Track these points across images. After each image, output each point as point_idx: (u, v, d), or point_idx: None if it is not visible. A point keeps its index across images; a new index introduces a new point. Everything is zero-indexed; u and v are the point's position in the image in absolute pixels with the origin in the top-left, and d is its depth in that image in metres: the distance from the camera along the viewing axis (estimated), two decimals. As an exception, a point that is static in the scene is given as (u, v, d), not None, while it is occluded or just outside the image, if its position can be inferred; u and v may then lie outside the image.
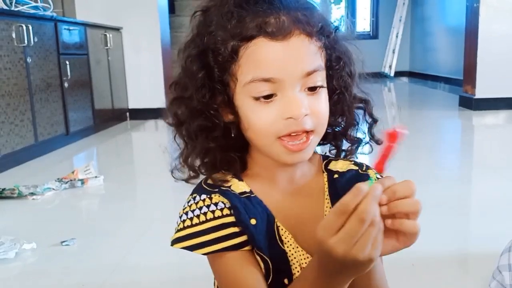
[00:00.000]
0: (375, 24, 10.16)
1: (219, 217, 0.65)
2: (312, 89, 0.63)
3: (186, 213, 0.67)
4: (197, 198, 0.68)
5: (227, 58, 0.62)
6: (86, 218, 2.14)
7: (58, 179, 2.46)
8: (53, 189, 2.36)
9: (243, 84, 0.62)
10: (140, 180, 2.85)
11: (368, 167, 0.76)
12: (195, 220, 0.66)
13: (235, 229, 0.65)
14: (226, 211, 0.66)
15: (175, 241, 0.67)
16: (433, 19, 8.50)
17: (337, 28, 0.69)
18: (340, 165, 0.75)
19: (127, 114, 4.86)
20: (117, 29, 4.60)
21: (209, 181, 0.69)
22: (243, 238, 0.65)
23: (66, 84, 3.54)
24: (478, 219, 1.93)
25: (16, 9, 3.19)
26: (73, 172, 2.51)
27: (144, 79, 4.81)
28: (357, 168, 0.75)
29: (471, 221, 1.96)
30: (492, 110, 4.58)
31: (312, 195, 0.72)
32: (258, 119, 0.62)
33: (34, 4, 3.44)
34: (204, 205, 0.66)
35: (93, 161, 3.06)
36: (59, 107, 3.46)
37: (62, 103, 3.50)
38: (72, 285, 1.45)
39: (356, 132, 0.75)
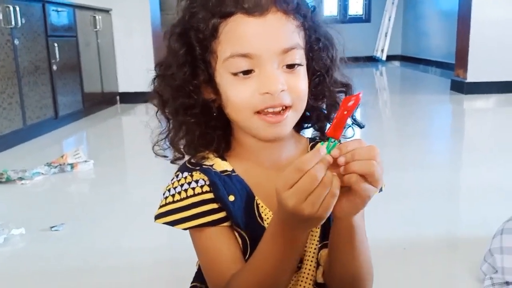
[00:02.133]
0: (367, 7, 10.10)
1: (199, 194, 0.68)
2: (290, 66, 0.65)
3: (169, 190, 0.70)
4: (180, 176, 0.70)
5: (208, 36, 0.65)
6: (76, 203, 2.12)
7: (47, 163, 2.44)
8: (42, 173, 2.34)
9: (222, 60, 0.64)
10: (131, 164, 2.83)
11: None
12: (177, 197, 0.69)
13: (214, 206, 0.68)
14: (206, 188, 0.68)
15: (157, 217, 0.70)
16: (426, 2, 8.46)
17: (313, 8, 0.70)
18: (325, 145, 0.75)
19: (117, 97, 4.81)
20: (106, 11, 4.52)
21: (193, 160, 0.72)
22: (222, 214, 0.68)
23: (54, 67, 3.48)
24: (469, 204, 1.94)
25: (2, -11, 3.11)
26: (62, 157, 2.48)
27: (135, 62, 4.75)
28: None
29: (461, 206, 1.97)
30: (483, 94, 4.59)
31: None
32: (236, 94, 0.65)
33: (20, -16, 3.36)
34: (186, 182, 0.69)
35: (83, 145, 3.03)
36: (48, 90, 3.41)
37: (50, 86, 3.45)
38: (63, 270, 1.44)
39: None
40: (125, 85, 4.80)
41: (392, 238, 1.57)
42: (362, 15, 10.12)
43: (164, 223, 0.69)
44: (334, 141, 0.57)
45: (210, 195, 0.68)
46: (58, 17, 3.61)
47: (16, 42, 2.98)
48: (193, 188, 0.68)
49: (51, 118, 3.46)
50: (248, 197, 0.70)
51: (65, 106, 3.65)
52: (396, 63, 9.35)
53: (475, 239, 1.52)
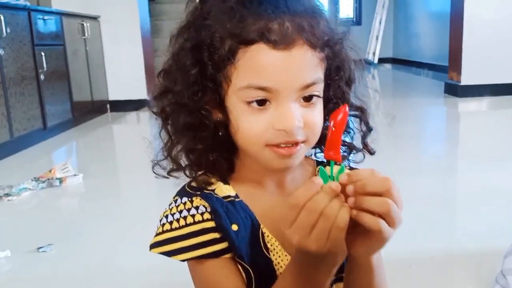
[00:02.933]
0: (358, 10, 10.09)
1: (199, 222, 0.63)
2: (308, 99, 0.60)
3: (166, 217, 0.65)
4: (178, 201, 0.66)
5: (223, 58, 0.59)
6: (65, 220, 2.03)
7: (34, 178, 2.35)
8: (30, 189, 2.25)
9: (237, 88, 0.59)
10: (122, 177, 2.75)
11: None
12: (175, 224, 0.64)
13: (215, 235, 0.63)
14: (207, 216, 0.63)
15: (153, 246, 0.65)
16: (416, 5, 8.46)
17: (342, 38, 0.64)
18: (334, 170, 0.70)
19: (108, 106, 4.72)
20: (94, 18, 4.44)
21: (193, 184, 0.67)
22: (224, 245, 0.63)
23: (42, 77, 3.39)
24: (471, 212, 1.88)
25: (-14, -2, 3.02)
26: (50, 171, 2.40)
27: (124, 69, 4.67)
28: (349, 168, 0.72)
29: (463, 214, 1.92)
30: (478, 97, 4.56)
31: None
32: (249, 126, 0.60)
33: (5, -8, 3.27)
34: (185, 208, 0.64)
35: (72, 158, 2.95)
36: (35, 101, 3.32)
37: (38, 97, 3.35)
38: (50, 296, 1.36)
39: (352, 139, 0.72)
40: (115, 93, 4.71)
41: (398, 253, 1.51)
42: (353, 18, 10.10)
43: (160, 253, 0.64)
44: (340, 165, 0.52)
45: (211, 224, 0.63)
46: (45, 25, 3.52)
47: (1, 52, 2.89)
48: (193, 216, 0.64)
49: (40, 129, 3.37)
50: (252, 226, 0.65)
51: (53, 116, 3.56)
52: (388, 66, 9.34)
53: (480, 251, 1.46)
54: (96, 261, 1.56)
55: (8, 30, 2.97)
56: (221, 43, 0.58)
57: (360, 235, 0.52)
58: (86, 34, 4.19)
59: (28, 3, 3.38)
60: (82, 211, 2.15)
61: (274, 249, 0.65)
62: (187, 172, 0.67)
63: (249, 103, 0.59)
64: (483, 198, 1.97)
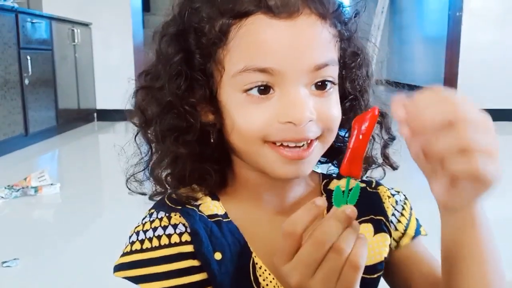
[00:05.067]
0: (353, 31, 10.13)
1: (175, 244, 0.51)
2: (321, 86, 0.49)
3: (137, 233, 0.53)
4: (154, 215, 0.54)
5: (213, 40, 0.48)
6: (35, 233, 1.88)
7: (8, 186, 2.22)
8: (2, 197, 2.13)
9: (231, 74, 0.48)
10: (103, 189, 2.61)
11: (378, 184, 0.61)
12: (146, 244, 0.52)
13: (194, 263, 0.51)
14: (185, 237, 0.51)
15: (118, 268, 0.53)
16: (411, 28, 8.50)
17: (357, 13, 0.53)
18: (342, 184, 0.59)
19: (95, 114, 4.60)
20: (86, 25, 4.34)
21: (174, 195, 0.55)
22: (204, 275, 0.51)
23: (26, 81, 3.27)
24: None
25: (-28, -3, 2.92)
26: (25, 179, 2.26)
27: (114, 78, 4.54)
28: (364, 185, 0.61)
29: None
30: (472, 121, 4.50)
31: None
32: (247, 119, 0.48)
33: (-8, -8, 3.18)
34: (160, 225, 0.52)
35: (51, 166, 2.81)
36: (18, 106, 3.19)
37: (21, 101, 3.23)
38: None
39: (371, 151, 0.59)
40: (103, 102, 4.59)
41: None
42: (348, 38, 10.15)
43: (124, 278, 0.52)
44: (355, 183, 0.41)
45: (190, 248, 0.51)
46: (33, 28, 3.42)
47: (-17, 53, 2.78)
48: (169, 236, 0.51)
49: (21, 135, 3.24)
50: (242, 254, 0.52)
51: (36, 122, 3.42)
52: (381, 87, 9.34)
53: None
54: (64, 281, 1.42)
55: (-8, 31, 2.86)
56: (210, 23, 0.49)
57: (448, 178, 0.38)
58: (76, 41, 4.09)
59: (16, 5, 3.27)
60: (56, 224, 2.02)
61: (267, 284, 0.52)
62: (170, 181, 0.56)
63: (247, 91, 0.48)
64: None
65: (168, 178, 0.56)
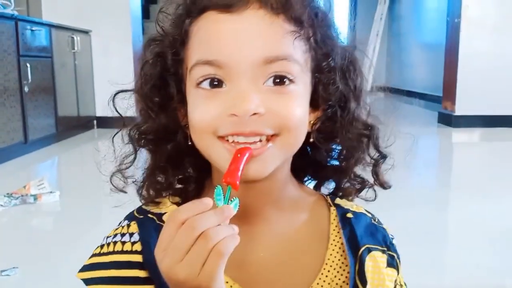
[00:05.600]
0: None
1: (126, 252, 0.52)
2: (279, 83, 0.48)
3: (105, 238, 0.56)
4: (121, 223, 0.57)
5: (179, 40, 0.51)
6: (34, 241, 1.87)
7: (7, 194, 2.20)
8: (1, 205, 2.11)
9: (188, 70, 0.50)
10: (103, 196, 2.58)
11: (379, 221, 0.61)
12: (104, 249, 0.54)
13: (140, 273, 0.51)
14: (137, 247, 0.52)
15: (82, 269, 0.55)
16: (410, 35, 8.52)
17: (323, 13, 0.52)
18: (350, 204, 0.59)
19: (94, 122, 4.59)
20: (85, 32, 4.35)
21: (144, 206, 0.57)
22: (153, 287, 0.50)
23: (26, 88, 3.27)
24: (461, 249, 1.77)
25: (-29, 5, 2.93)
26: (24, 187, 2.25)
27: (114, 86, 4.55)
28: (370, 216, 0.60)
29: (453, 251, 1.81)
30: (472, 127, 4.50)
31: (301, 236, 0.56)
32: (199, 113, 0.49)
33: (-8, 1, 3.18)
34: (120, 232, 0.55)
35: (50, 174, 2.81)
36: (17, 113, 3.18)
37: (20, 109, 3.22)
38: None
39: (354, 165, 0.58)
40: (103, 109, 4.55)
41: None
42: (347, 45, 10.16)
43: (81, 279, 0.54)
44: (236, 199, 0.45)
45: (139, 258, 0.52)
46: (33, 36, 3.42)
47: (-17, 60, 2.78)
48: (123, 243, 0.53)
49: (20, 142, 3.23)
50: None
51: (36, 130, 3.42)
52: (380, 94, 9.35)
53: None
54: (63, 289, 1.41)
55: (-8, 39, 2.86)
56: (177, 25, 0.51)
57: None
58: (75, 48, 4.09)
59: (16, 13, 3.28)
60: (55, 232, 2.00)
61: None
62: (145, 191, 0.57)
63: (198, 85, 0.49)
64: (478, 234, 1.88)
65: (141, 187, 0.57)
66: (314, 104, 0.54)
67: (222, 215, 0.42)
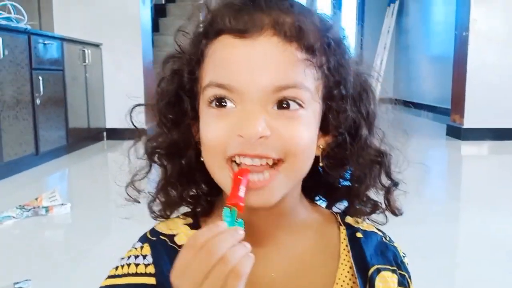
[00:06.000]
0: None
1: (140, 275, 0.53)
2: (283, 106, 0.49)
3: (120, 260, 0.56)
4: (135, 245, 0.57)
5: (195, 59, 0.53)
6: (46, 254, 1.89)
7: (19, 206, 2.23)
8: (13, 217, 2.13)
9: (202, 90, 0.52)
10: (114, 209, 2.61)
11: (391, 240, 0.61)
12: (119, 270, 0.55)
13: None
14: (150, 269, 0.53)
15: None
16: (418, 48, 8.53)
17: (339, 40, 0.53)
18: (360, 222, 0.59)
19: (104, 133, 4.63)
20: (96, 45, 4.40)
21: (157, 227, 0.58)
22: None
23: (38, 101, 3.31)
24: (471, 264, 1.77)
25: (-14, 19, 2.98)
26: (36, 199, 2.27)
27: (124, 97, 4.56)
28: (381, 234, 0.60)
29: (465, 265, 1.80)
30: (481, 140, 4.49)
31: (311, 256, 0.56)
32: (208, 131, 0.50)
33: (6, 15, 3.24)
34: (133, 254, 0.55)
35: (61, 186, 2.83)
36: (29, 125, 3.23)
37: (32, 121, 3.26)
38: None
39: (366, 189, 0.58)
40: (112, 121, 4.63)
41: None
42: (354, 57, 10.18)
43: None
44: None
45: (151, 280, 0.52)
46: (45, 49, 3.47)
47: (-3, 74, 2.82)
48: (137, 265, 0.54)
49: (32, 154, 3.26)
50: None
51: (47, 142, 3.45)
52: (388, 106, 9.33)
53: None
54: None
55: (6, 52, 2.90)
56: (193, 44, 0.53)
57: None
58: (86, 61, 4.14)
59: (29, 27, 3.34)
60: (67, 245, 2.02)
61: None
62: (162, 209, 0.58)
63: (210, 103, 0.50)
64: (485, 246, 1.87)
65: (160, 197, 0.58)
66: (324, 129, 0.54)
67: (237, 236, 0.42)
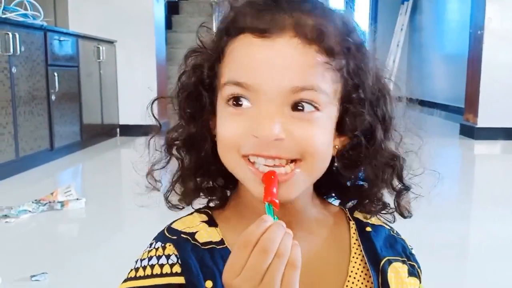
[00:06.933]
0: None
1: (166, 275, 0.52)
2: (298, 108, 0.49)
3: (136, 262, 0.55)
4: (153, 245, 0.56)
5: (215, 56, 0.53)
6: (62, 247, 1.92)
7: (35, 200, 2.27)
8: (30, 211, 2.17)
9: (220, 86, 0.52)
10: (127, 203, 2.64)
11: (398, 233, 0.62)
12: (140, 272, 0.53)
13: None
14: (176, 268, 0.52)
15: None
16: (432, 46, 8.46)
17: (359, 43, 0.53)
18: (368, 217, 0.61)
19: (117, 130, 4.67)
20: (111, 42, 4.44)
21: (174, 225, 0.57)
22: None
23: (53, 97, 3.36)
24: (484, 264, 1.76)
25: (4, 16, 3.02)
26: (52, 193, 2.31)
27: (137, 94, 4.62)
28: (389, 228, 0.61)
29: (475, 266, 1.79)
30: (494, 139, 4.45)
31: (323, 251, 0.57)
32: (224, 128, 0.51)
33: (23, 12, 3.28)
34: (155, 255, 0.54)
35: (76, 181, 2.87)
36: (44, 121, 3.27)
37: (47, 117, 3.31)
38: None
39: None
40: (126, 117, 4.67)
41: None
42: (367, 55, 10.13)
43: None
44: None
45: (180, 279, 0.51)
46: (60, 46, 3.51)
47: (14, 70, 2.86)
48: (162, 266, 0.53)
49: (46, 149, 3.31)
50: None
51: (61, 137, 3.50)
52: (406, 110, 9.27)
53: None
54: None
55: (23, 49, 2.94)
56: (214, 41, 0.54)
57: None
58: (101, 58, 4.18)
59: (45, 23, 3.38)
60: (82, 239, 2.05)
61: None
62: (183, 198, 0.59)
63: (227, 101, 0.51)
64: (498, 246, 1.87)
65: (178, 186, 0.59)
66: (340, 129, 0.54)
67: (284, 229, 0.43)
